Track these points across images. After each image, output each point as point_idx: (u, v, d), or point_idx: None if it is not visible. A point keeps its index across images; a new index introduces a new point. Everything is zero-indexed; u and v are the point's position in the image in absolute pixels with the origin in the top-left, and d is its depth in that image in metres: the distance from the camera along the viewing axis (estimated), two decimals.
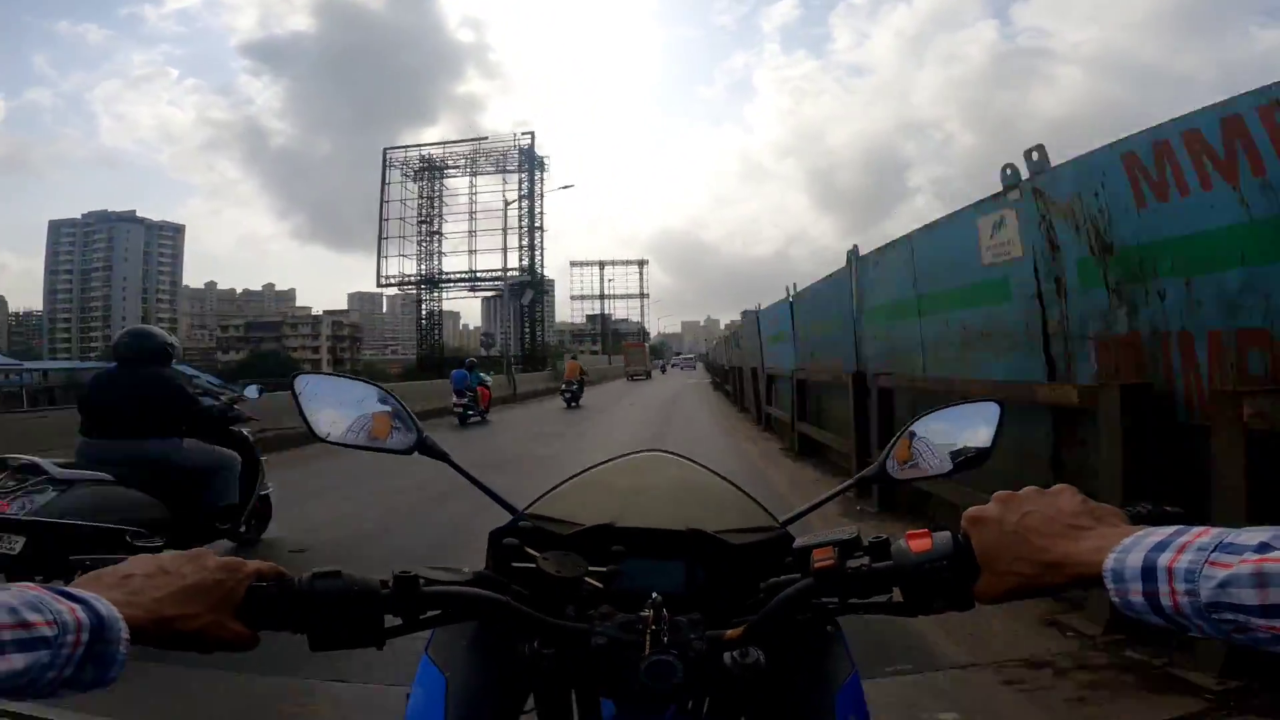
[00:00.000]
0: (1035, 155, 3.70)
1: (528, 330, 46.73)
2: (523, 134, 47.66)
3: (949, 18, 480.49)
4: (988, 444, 0.94)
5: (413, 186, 47.00)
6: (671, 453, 1.16)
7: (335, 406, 0.97)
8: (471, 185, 46.55)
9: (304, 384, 0.97)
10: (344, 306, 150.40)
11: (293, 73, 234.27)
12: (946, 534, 0.68)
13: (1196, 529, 0.49)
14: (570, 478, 1.06)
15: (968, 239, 4.49)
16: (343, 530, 5.53)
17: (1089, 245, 3.38)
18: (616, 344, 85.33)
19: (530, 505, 0.99)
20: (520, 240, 46.05)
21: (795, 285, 10.19)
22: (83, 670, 0.50)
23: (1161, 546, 0.49)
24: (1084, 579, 0.55)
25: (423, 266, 45.97)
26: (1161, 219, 2.92)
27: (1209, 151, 2.63)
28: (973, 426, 0.95)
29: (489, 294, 47.76)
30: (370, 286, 48.44)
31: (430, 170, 46.44)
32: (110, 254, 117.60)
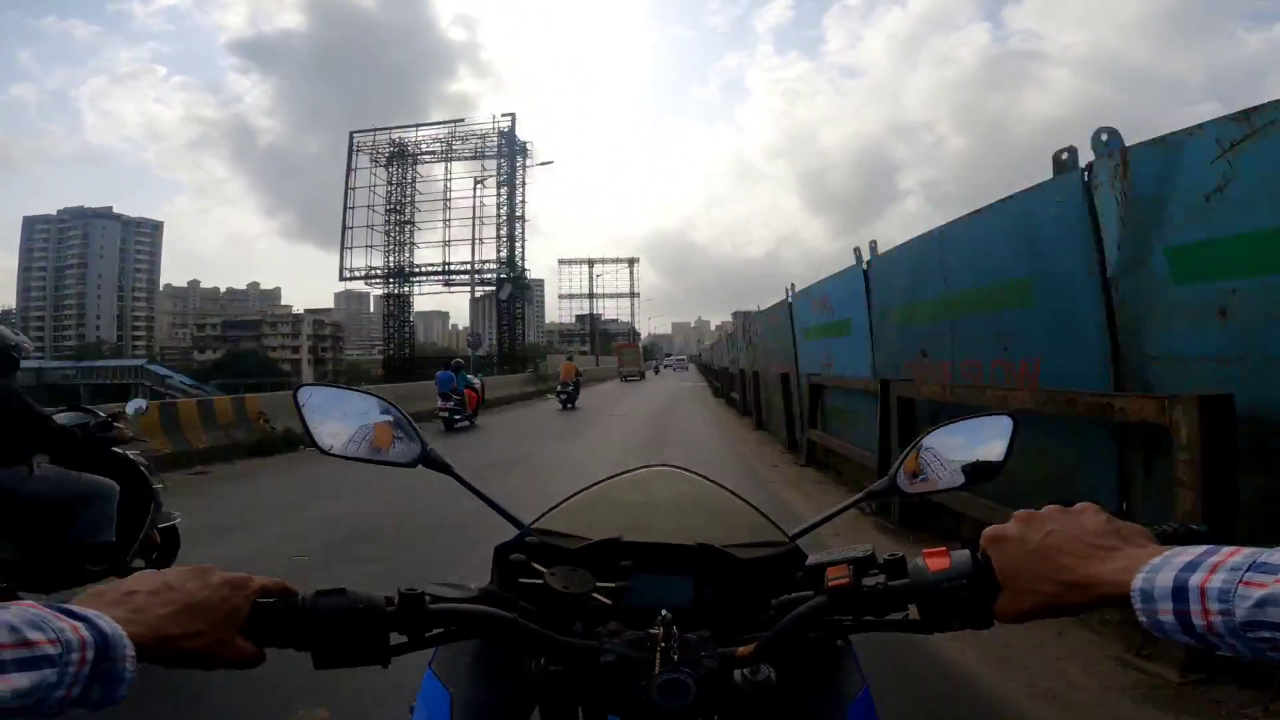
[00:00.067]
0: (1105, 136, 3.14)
1: (506, 328, 42.72)
2: (503, 115, 43.90)
3: (942, 20, 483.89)
4: (1000, 457, 0.91)
5: (381, 173, 42.80)
6: (678, 467, 1.16)
7: (338, 418, 0.95)
8: (447, 171, 42.38)
9: (307, 395, 0.95)
10: (330, 305, 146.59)
11: (282, 70, 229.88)
12: (965, 552, 0.65)
13: (1227, 549, 0.48)
14: (577, 492, 1.06)
15: None
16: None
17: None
18: (606, 344, 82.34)
19: (537, 520, 0.99)
20: (499, 231, 42.11)
21: (794, 285, 9.24)
22: (90, 689, 0.50)
23: (1192, 566, 0.48)
24: (1110, 599, 0.54)
25: (391, 259, 41.81)
26: None
27: None
28: (985, 439, 0.92)
29: (465, 289, 43.45)
30: (355, 285, 43.37)
31: (402, 156, 41.96)
32: (85, 251, 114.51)
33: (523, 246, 41.53)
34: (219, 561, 0.65)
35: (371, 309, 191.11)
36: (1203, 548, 0.50)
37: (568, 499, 1.05)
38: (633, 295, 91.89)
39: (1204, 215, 2.76)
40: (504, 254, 41.03)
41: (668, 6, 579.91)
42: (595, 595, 0.80)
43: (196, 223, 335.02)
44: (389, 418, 0.96)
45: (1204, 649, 0.48)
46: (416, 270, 42.03)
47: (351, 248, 42.57)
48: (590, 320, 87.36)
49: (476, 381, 15.89)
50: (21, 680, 0.44)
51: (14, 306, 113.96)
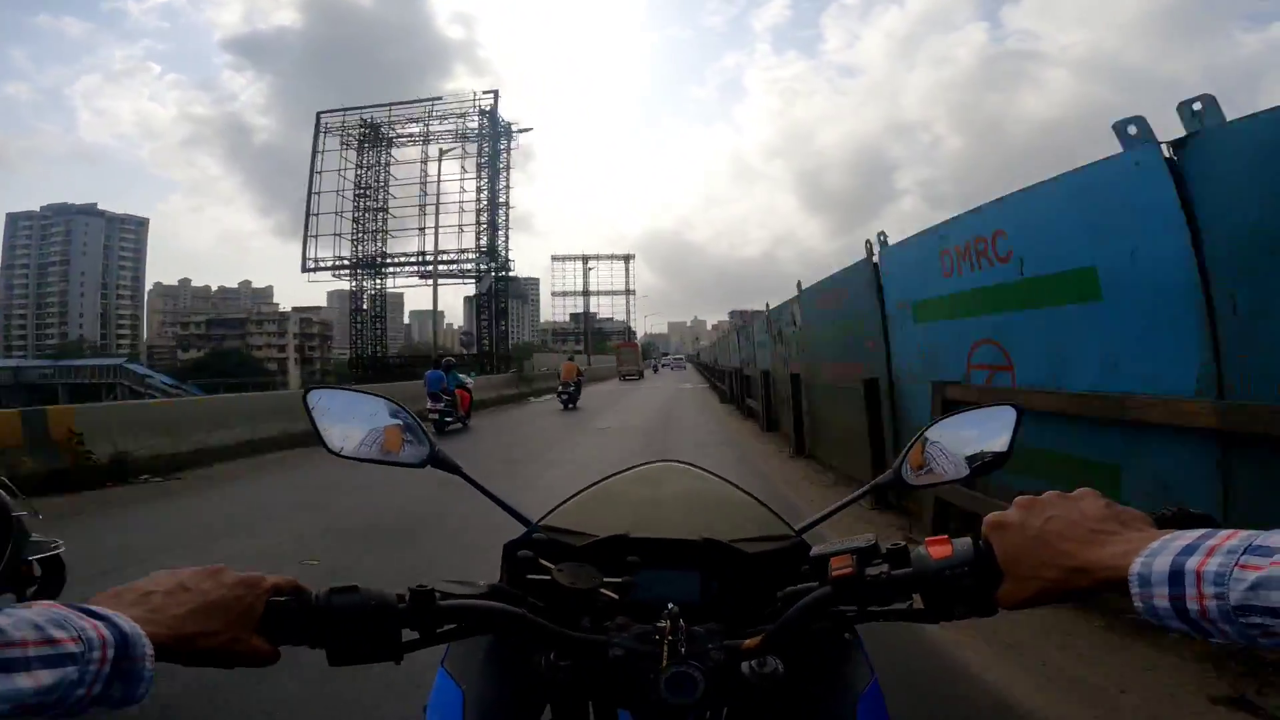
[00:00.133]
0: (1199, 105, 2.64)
1: (486, 324, 38.36)
2: (484, 93, 39.88)
3: (940, 19, 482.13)
4: (1005, 448, 0.90)
5: (352, 156, 38.45)
6: (684, 462, 1.16)
7: (347, 421, 0.95)
8: (423, 155, 37.87)
9: (316, 399, 0.95)
10: (323, 304, 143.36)
11: (276, 68, 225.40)
12: (967, 540, 0.65)
13: (1224, 532, 0.47)
14: (583, 489, 1.06)
15: None
16: None
17: None
18: (601, 344, 78.73)
19: (544, 517, 0.99)
20: (479, 218, 37.48)
21: (801, 283, 8.58)
22: (111, 687, 0.50)
23: (1190, 550, 0.47)
24: (1109, 584, 0.53)
25: (360, 249, 37.55)
26: None
27: None
28: (989, 431, 0.91)
29: (444, 282, 38.93)
30: (322, 277, 38.19)
31: (376, 139, 37.58)
32: (68, 248, 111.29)
33: (506, 236, 37.43)
34: None
35: (365, 306, 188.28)
36: (1200, 531, 0.49)
37: (574, 495, 1.05)
38: (628, 293, 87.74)
39: None
40: (484, 243, 36.85)
41: (666, 6, 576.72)
42: (602, 590, 0.80)
43: (190, 221, 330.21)
44: (398, 421, 0.95)
45: (1196, 635, 0.47)
46: (391, 261, 37.82)
47: (317, 236, 38.45)
48: (584, 319, 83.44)
49: (469, 381, 14.86)
50: (45, 677, 0.44)
51: None
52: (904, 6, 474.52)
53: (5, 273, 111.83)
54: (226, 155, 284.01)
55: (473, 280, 37.33)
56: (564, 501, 1.03)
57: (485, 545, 2.06)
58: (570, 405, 17.90)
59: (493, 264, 36.17)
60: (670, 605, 0.74)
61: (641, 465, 1.14)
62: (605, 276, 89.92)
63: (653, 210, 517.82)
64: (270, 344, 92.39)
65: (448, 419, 12.73)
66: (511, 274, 39.17)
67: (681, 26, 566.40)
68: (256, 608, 0.63)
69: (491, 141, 37.58)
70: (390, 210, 37.22)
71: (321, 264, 37.75)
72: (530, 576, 0.84)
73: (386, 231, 36.80)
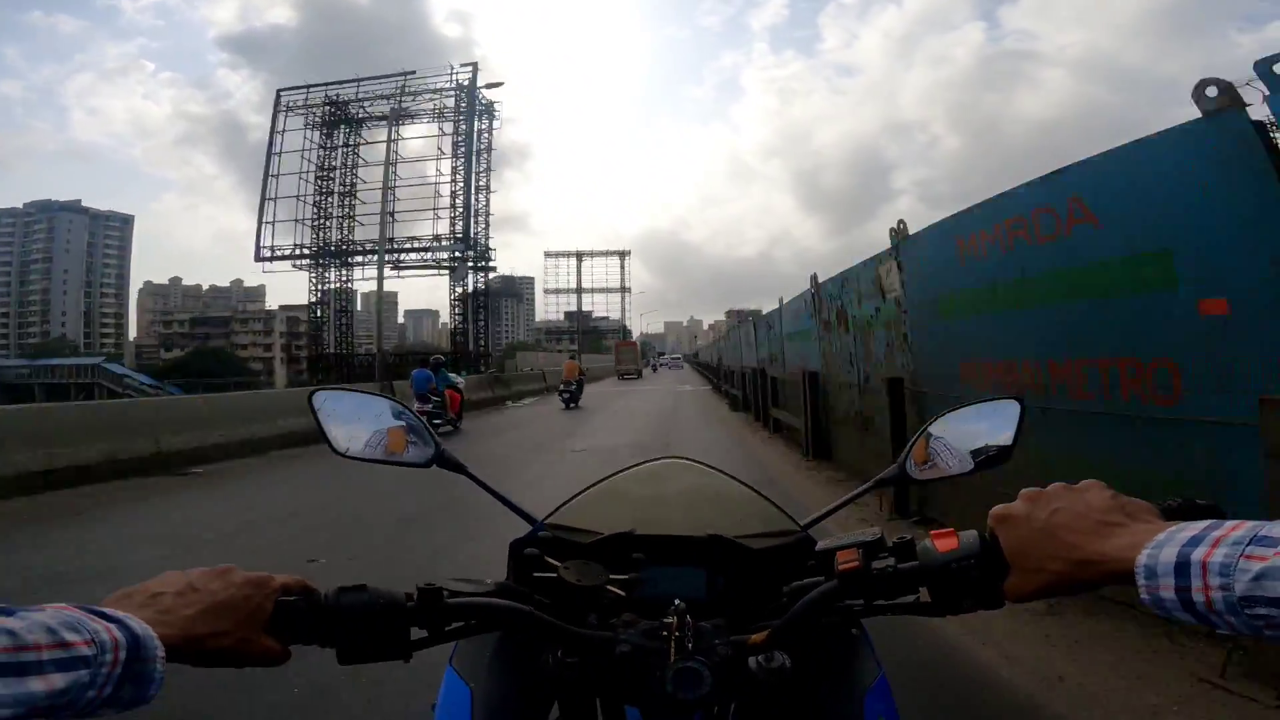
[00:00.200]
0: None
1: (460, 318, 34.02)
2: (462, 66, 34.84)
3: (938, 19, 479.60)
4: (1009, 442, 0.89)
5: (316, 137, 33.97)
6: (689, 459, 1.14)
7: (352, 422, 0.94)
8: (394, 134, 33.37)
9: (321, 400, 0.95)
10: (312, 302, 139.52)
11: (272, 66, 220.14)
12: (973, 533, 0.64)
13: (1230, 523, 0.47)
14: (589, 486, 1.05)
15: None
16: None
17: None
18: (596, 343, 75.19)
19: (550, 515, 0.98)
20: (453, 202, 32.84)
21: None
22: (121, 689, 0.49)
23: (1195, 541, 0.47)
24: (1116, 575, 0.52)
25: (323, 237, 33.04)
26: None
27: None
28: (993, 425, 0.90)
29: (415, 273, 34.46)
30: (280, 267, 34.09)
31: (345, 119, 33.27)
32: (51, 245, 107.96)
33: (486, 224, 33.31)
34: None
35: (359, 306, 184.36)
36: (1207, 522, 0.48)
37: (580, 493, 1.04)
38: (624, 290, 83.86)
39: None
40: (459, 229, 32.59)
41: (663, 6, 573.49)
42: (609, 587, 0.79)
43: (185, 220, 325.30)
44: (402, 421, 0.95)
45: (1203, 627, 0.47)
46: (358, 249, 33.62)
47: (273, 222, 34.26)
48: (578, 317, 79.73)
49: (460, 381, 13.89)
50: (58, 680, 0.44)
51: None
52: (902, 6, 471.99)
53: None
54: (221, 154, 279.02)
55: (449, 271, 33.30)
56: (570, 499, 1.02)
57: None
58: (572, 404, 17.22)
59: (470, 253, 32.17)
60: (677, 601, 0.73)
61: (647, 462, 1.13)
62: (600, 274, 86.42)
63: (649, 210, 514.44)
64: (256, 343, 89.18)
65: (436, 421, 11.61)
66: (492, 264, 34.87)
67: (679, 26, 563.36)
68: (266, 607, 0.62)
69: (469, 118, 33.42)
70: (359, 196, 33.09)
71: (279, 252, 33.67)
72: (537, 574, 0.83)
73: (353, 218, 32.69)
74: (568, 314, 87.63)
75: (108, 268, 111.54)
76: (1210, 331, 2.57)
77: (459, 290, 33.15)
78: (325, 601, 0.65)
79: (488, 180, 34.03)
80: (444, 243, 32.27)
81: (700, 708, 0.71)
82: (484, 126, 34.69)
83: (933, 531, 0.66)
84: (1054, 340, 3.38)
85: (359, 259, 34.03)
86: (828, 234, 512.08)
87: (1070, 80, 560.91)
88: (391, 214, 28.17)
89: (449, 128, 33.70)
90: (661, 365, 65.12)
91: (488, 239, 33.77)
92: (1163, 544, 0.48)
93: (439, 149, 33.37)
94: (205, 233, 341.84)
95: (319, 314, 36.22)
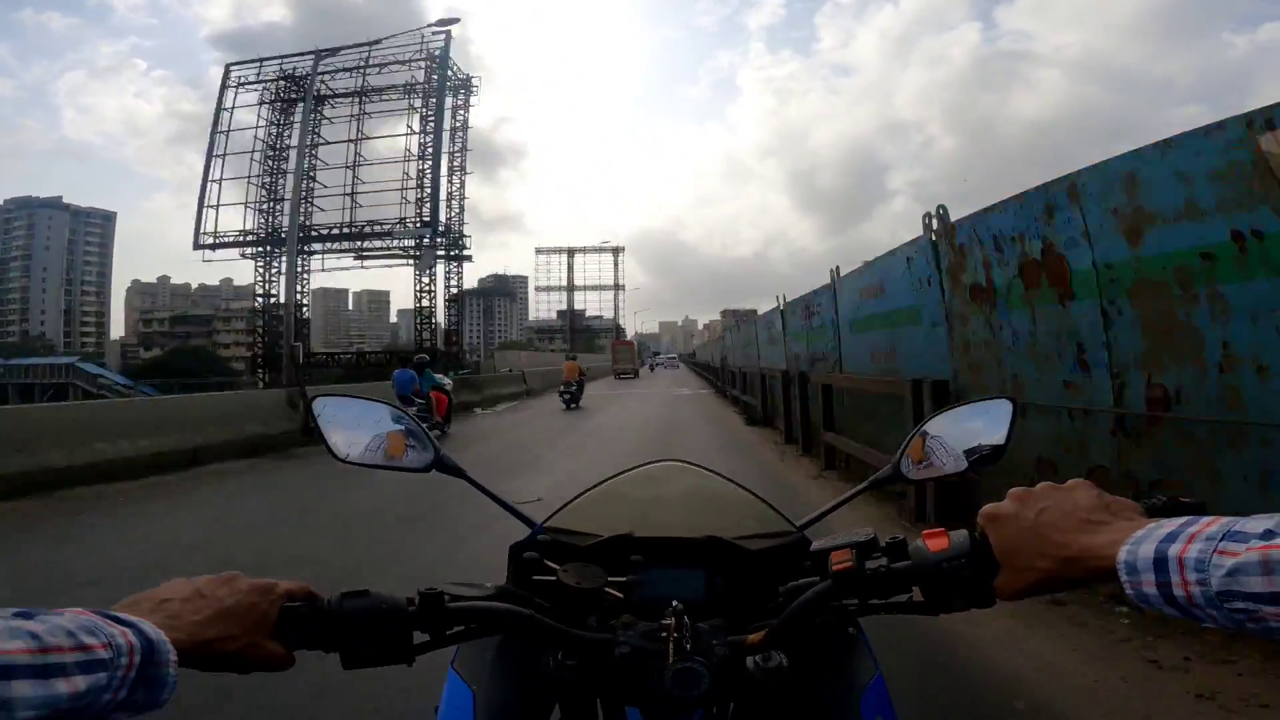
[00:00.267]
0: None
1: (429, 313, 30.02)
2: (435, 31, 29.16)
3: (934, 19, 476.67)
4: (1003, 441, 0.88)
5: (266, 113, 29.64)
6: (686, 461, 1.13)
7: (352, 428, 0.94)
8: (356, 109, 29.03)
9: (322, 406, 0.94)
10: (306, 302, 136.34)
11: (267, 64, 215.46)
12: (963, 532, 0.65)
13: (1206, 519, 0.47)
14: (587, 489, 1.04)
15: None
16: None
17: None
18: (590, 342, 71.57)
19: (549, 518, 0.98)
20: (421, 181, 28.17)
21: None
22: (136, 693, 0.50)
23: (1172, 537, 0.47)
24: (1100, 572, 0.53)
25: (273, 222, 28.31)
26: None
27: None
28: (987, 424, 0.90)
29: (381, 263, 30.03)
30: (228, 256, 29.62)
31: (300, 91, 28.21)
32: (30, 242, 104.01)
33: (460, 207, 29.04)
34: None
35: (350, 305, 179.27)
36: (1184, 519, 0.48)
37: (578, 496, 1.03)
38: (617, 288, 79.95)
39: None
40: (426, 212, 28.11)
41: (659, 6, 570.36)
42: (608, 590, 0.79)
43: (177, 219, 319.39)
44: (401, 426, 0.94)
45: (1188, 620, 0.47)
46: (316, 234, 29.08)
47: (217, 206, 29.90)
48: (569, 315, 75.92)
49: (447, 382, 12.95)
50: (81, 683, 0.45)
51: None
52: (899, 6, 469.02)
53: None
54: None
55: (409, 255, 28.97)
56: (568, 503, 1.01)
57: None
58: (573, 405, 16.61)
59: (442, 240, 28.06)
60: (675, 603, 0.73)
61: (644, 465, 1.11)
62: (593, 271, 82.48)
63: (645, 209, 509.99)
64: (238, 341, 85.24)
65: (423, 425, 6.71)
66: (467, 253, 30.58)
67: (674, 27, 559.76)
68: (271, 613, 0.63)
69: (439, 90, 29.30)
70: (317, 178, 28.75)
71: (222, 238, 29.35)
72: (536, 577, 0.83)
73: (310, 202, 28.40)
74: (560, 313, 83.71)
75: (89, 265, 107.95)
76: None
77: (425, 281, 28.96)
78: (329, 607, 0.65)
79: (463, 161, 30.00)
80: (408, 227, 28.02)
81: (699, 707, 0.72)
82: (459, 102, 30.63)
83: (924, 531, 0.66)
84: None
85: (317, 247, 29.78)
86: (823, 234, 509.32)
87: (1066, 81, 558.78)
88: (351, 194, 24.20)
89: (420, 103, 29.45)
90: (658, 365, 63.78)
91: (461, 225, 29.75)
92: (1141, 540, 0.48)
93: (408, 126, 29.27)
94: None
95: (266, 305, 32.04)
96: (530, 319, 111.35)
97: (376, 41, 27.93)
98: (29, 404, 22.35)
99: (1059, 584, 0.57)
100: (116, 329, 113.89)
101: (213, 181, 29.58)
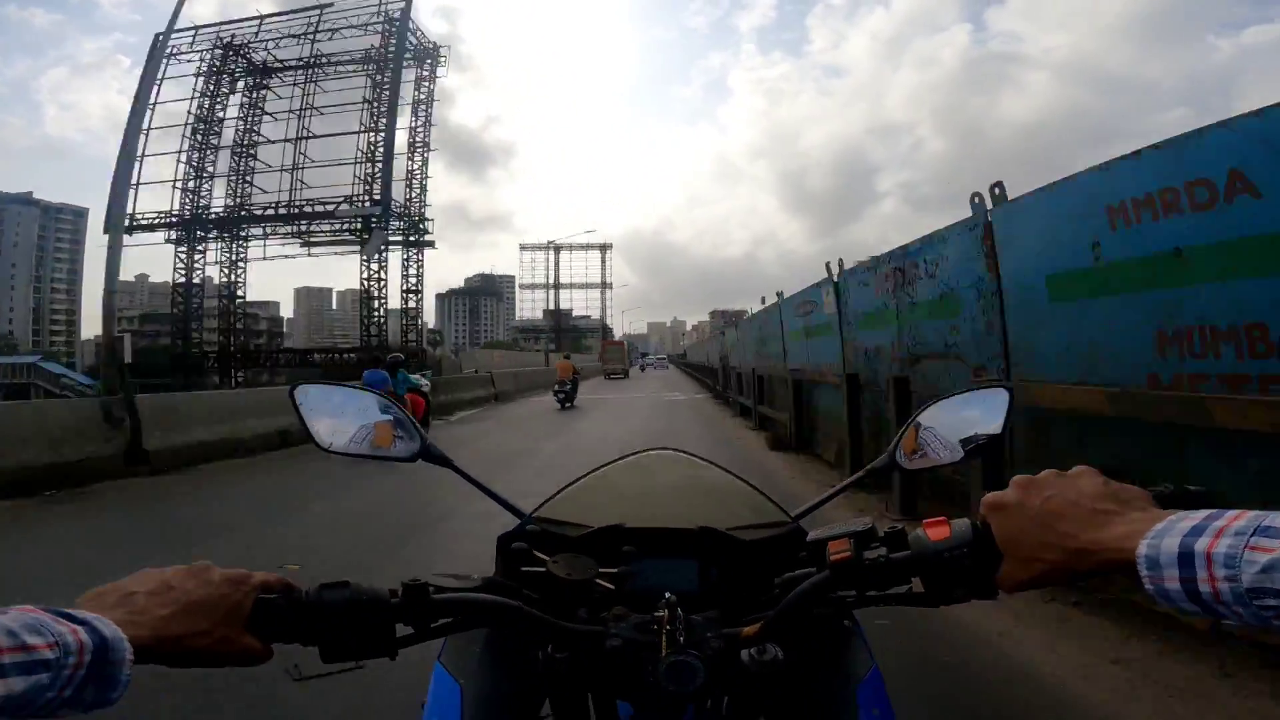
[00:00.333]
0: None
1: (374, 306, 26.55)
2: None
3: (925, 20, 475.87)
4: (998, 430, 0.86)
5: (200, 84, 26.10)
6: (679, 450, 1.11)
7: (336, 416, 0.91)
8: (304, 75, 25.42)
9: (303, 395, 0.90)
10: (278, 299, 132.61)
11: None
12: (965, 521, 0.62)
13: (1231, 512, 0.45)
14: (578, 479, 1.00)
15: None
16: None
17: None
18: (576, 343, 68.22)
19: (538, 508, 0.95)
20: (371, 154, 24.58)
21: None
22: (84, 691, 0.48)
23: (1197, 531, 0.45)
24: (1115, 565, 0.50)
25: (200, 201, 25.40)
26: None
27: None
28: (982, 413, 0.87)
29: (328, 250, 26.42)
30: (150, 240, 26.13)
31: (242, 62, 25.42)
32: None
33: (423, 187, 25.51)
34: None
35: (334, 305, 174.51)
36: (1206, 511, 0.46)
37: (567, 486, 0.99)
38: (604, 286, 76.50)
39: None
40: (376, 190, 24.36)
41: (649, 7, 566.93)
42: (599, 581, 0.76)
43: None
44: (389, 415, 0.91)
45: (1210, 617, 0.45)
46: (249, 215, 25.58)
47: (136, 185, 25.83)
48: (555, 315, 72.31)
49: (424, 383, 11.30)
50: (17, 684, 0.43)
51: None
52: (890, 7, 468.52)
53: None
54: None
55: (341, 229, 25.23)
56: (557, 492, 0.97)
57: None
58: (567, 404, 16.23)
59: (400, 224, 24.54)
60: (668, 594, 0.71)
61: (635, 454, 1.08)
62: (580, 269, 78.97)
63: (635, 209, 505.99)
64: (215, 340, 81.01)
65: None
66: (428, 237, 27.08)
67: (666, 27, 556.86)
68: (244, 605, 0.60)
69: (396, 54, 25.58)
70: (258, 155, 25.05)
71: (139, 221, 25.58)
72: (525, 569, 0.80)
73: (249, 181, 24.62)
74: (546, 312, 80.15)
75: (59, 263, 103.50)
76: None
77: (373, 268, 25.35)
78: (306, 598, 0.63)
79: (426, 136, 26.43)
80: (354, 204, 24.28)
81: (693, 701, 0.70)
82: (425, 74, 27.00)
83: (925, 520, 0.63)
84: None
85: (255, 231, 26.01)
86: (812, 236, 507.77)
87: (1055, 83, 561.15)
88: (293, 169, 20.50)
89: (375, 70, 25.73)
90: (648, 365, 62.59)
91: (423, 207, 26.15)
92: (1163, 534, 0.46)
93: (363, 98, 25.56)
94: None
95: (184, 295, 28.29)
96: (517, 319, 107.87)
97: (329, 3, 24.22)
98: None
99: (1065, 576, 0.54)
100: (93, 327, 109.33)
101: (136, 159, 25.71)
